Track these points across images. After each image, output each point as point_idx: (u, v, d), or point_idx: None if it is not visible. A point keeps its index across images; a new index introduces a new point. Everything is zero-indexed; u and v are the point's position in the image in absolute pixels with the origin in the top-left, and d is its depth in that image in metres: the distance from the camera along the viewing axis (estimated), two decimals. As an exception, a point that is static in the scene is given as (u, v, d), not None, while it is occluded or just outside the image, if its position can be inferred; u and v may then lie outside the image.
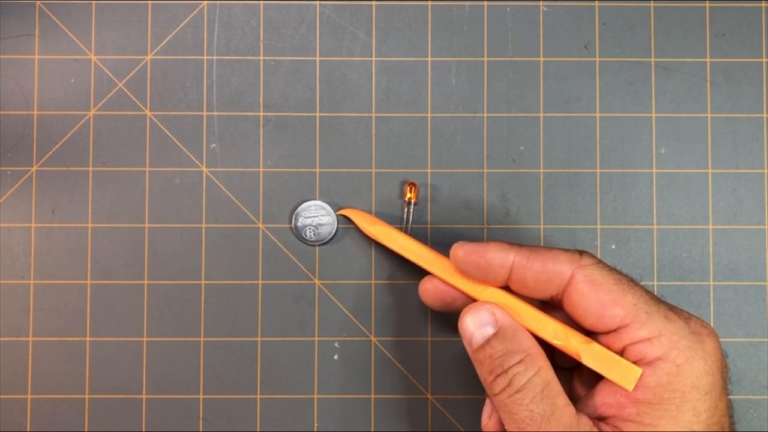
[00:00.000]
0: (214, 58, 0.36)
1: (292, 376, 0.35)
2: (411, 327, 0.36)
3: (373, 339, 0.36)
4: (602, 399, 0.27)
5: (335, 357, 0.36)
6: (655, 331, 0.26)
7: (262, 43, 0.36)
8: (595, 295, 0.27)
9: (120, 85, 0.36)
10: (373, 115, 0.36)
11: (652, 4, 0.37)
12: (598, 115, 0.36)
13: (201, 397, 0.35)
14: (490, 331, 0.28)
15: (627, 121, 0.36)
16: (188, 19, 0.36)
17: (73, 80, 0.36)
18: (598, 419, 0.27)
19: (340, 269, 0.36)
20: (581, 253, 0.28)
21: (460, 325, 0.29)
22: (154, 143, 0.36)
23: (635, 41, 0.37)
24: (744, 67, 0.37)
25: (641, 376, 0.26)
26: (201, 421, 0.35)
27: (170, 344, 0.36)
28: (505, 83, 0.36)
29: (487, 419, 0.31)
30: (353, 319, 0.36)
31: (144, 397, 0.35)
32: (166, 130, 0.36)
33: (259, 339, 0.36)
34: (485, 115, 0.36)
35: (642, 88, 0.37)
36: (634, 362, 0.27)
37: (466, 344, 0.29)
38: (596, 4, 0.37)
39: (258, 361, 0.36)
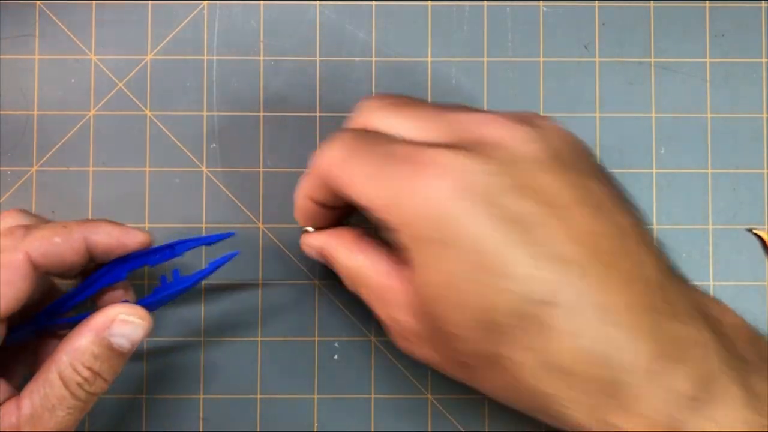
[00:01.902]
0: (214, 58, 0.36)
1: (292, 376, 0.35)
2: (411, 327, 0.36)
3: (373, 339, 0.36)
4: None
5: (335, 357, 0.36)
6: (374, 193, 0.26)
7: (262, 43, 0.36)
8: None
9: (120, 85, 0.36)
10: (373, 115, 0.36)
11: (652, 4, 0.37)
12: (597, 115, 0.36)
13: (201, 396, 0.35)
14: (318, 240, 0.31)
15: (627, 121, 0.36)
16: (188, 19, 0.36)
17: (73, 80, 0.36)
18: None
19: (340, 269, 0.36)
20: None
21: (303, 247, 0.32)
22: (154, 143, 0.36)
23: (635, 41, 0.37)
24: (744, 67, 0.37)
25: None
26: (201, 421, 0.35)
27: (170, 344, 0.35)
28: (505, 83, 0.36)
29: None
30: (353, 319, 0.36)
31: (144, 397, 0.35)
32: (166, 130, 0.36)
33: (259, 339, 0.36)
34: (485, 115, 0.36)
35: (642, 88, 0.37)
36: None
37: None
38: (596, 4, 0.37)
39: (258, 361, 0.36)
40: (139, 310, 0.28)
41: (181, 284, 0.31)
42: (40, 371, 0.27)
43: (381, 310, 0.28)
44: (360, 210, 0.28)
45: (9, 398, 0.27)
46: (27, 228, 0.28)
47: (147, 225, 0.36)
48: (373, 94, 0.30)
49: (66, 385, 0.27)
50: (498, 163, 0.24)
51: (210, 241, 0.31)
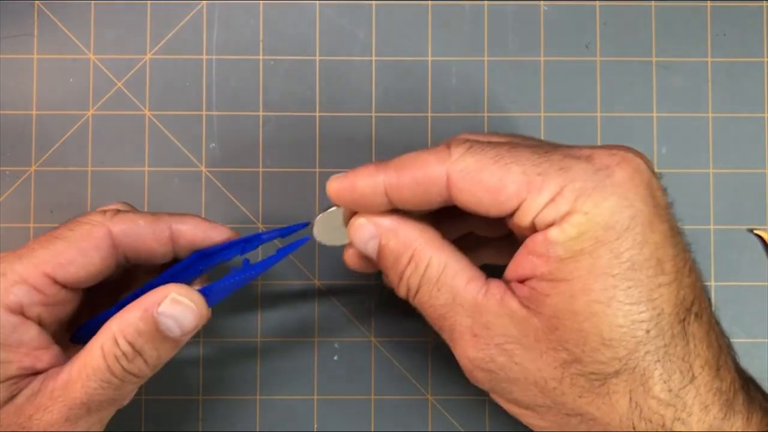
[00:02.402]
0: (214, 57, 0.36)
1: (292, 377, 0.35)
2: (411, 327, 0.36)
3: (373, 339, 0.36)
4: (518, 264, 0.25)
5: (335, 357, 0.36)
6: (555, 189, 0.23)
7: (261, 43, 0.36)
8: (480, 186, 0.24)
9: (119, 84, 0.36)
10: (373, 115, 0.36)
11: (653, 3, 0.37)
12: (598, 114, 0.36)
13: (200, 397, 0.35)
14: (375, 243, 0.26)
15: (628, 121, 0.36)
16: (187, 18, 0.36)
17: (72, 80, 0.36)
18: (518, 281, 0.25)
19: (340, 269, 0.36)
20: (449, 145, 0.25)
21: (352, 237, 0.27)
22: (153, 143, 0.36)
23: (636, 41, 0.37)
24: (745, 66, 0.37)
25: (550, 236, 0.23)
26: (200, 422, 0.35)
27: (170, 345, 0.35)
28: (505, 83, 0.36)
29: None
30: (353, 319, 0.36)
31: (143, 398, 0.35)
32: (165, 130, 0.36)
33: (258, 339, 0.36)
34: (485, 115, 0.36)
35: (643, 88, 0.36)
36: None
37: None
38: (597, 3, 0.37)
39: (258, 362, 0.35)
40: (194, 295, 0.27)
41: (251, 270, 0.29)
42: (89, 342, 0.26)
43: (469, 326, 0.25)
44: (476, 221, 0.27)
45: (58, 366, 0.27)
46: (119, 211, 0.29)
47: (146, 225, 0.36)
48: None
49: (104, 356, 0.25)
50: (660, 178, 0.25)
51: (285, 232, 0.30)
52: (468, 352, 0.25)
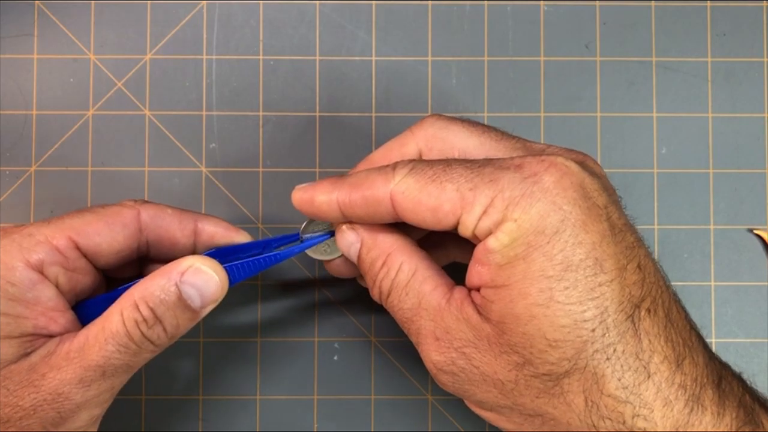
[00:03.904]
0: (214, 57, 0.36)
1: (292, 377, 0.35)
2: (411, 327, 0.36)
3: (373, 339, 0.36)
4: (470, 273, 0.26)
5: (335, 357, 0.36)
6: (486, 201, 0.24)
7: (261, 43, 0.36)
8: (420, 206, 0.25)
9: (119, 84, 0.36)
10: (373, 115, 0.36)
11: (653, 3, 0.37)
12: (598, 114, 0.36)
13: (200, 397, 0.35)
14: (357, 246, 0.28)
15: (628, 121, 0.36)
16: (187, 18, 0.36)
17: (72, 80, 0.36)
18: (474, 289, 0.26)
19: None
20: (395, 166, 0.26)
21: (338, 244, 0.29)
22: (153, 143, 0.36)
23: (636, 41, 0.37)
24: (745, 66, 0.37)
25: (487, 245, 0.24)
26: (200, 422, 0.35)
27: (169, 346, 0.35)
28: (505, 83, 0.36)
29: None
30: (353, 319, 0.36)
31: (143, 398, 0.35)
32: (165, 130, 0.36)
33: (258, 339, 0.36)
34: (485, 114, 0.36)
35: (643, 88, 0.36)
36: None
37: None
38: (597, 3, 0.37)
39: (258, 362, 0.35)
40: (217, 266, 0.27)
41: (273, 255, 0.29)
42: (107, 309, 0.27)
43: (432, 330, 0.26)
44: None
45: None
46: (148, 201, 0.30)
47: (146, 225, 0.36)
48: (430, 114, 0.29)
49: (124, 321, 0.26)
50: (598, 179, 0.25)
51: (308, 245, 0.30)
52: (431, 355, 0.26)
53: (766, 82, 0.36)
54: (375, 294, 0.28)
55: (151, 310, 0.26)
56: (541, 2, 0.37)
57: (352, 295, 0.36)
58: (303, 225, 0.31)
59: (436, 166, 0.26)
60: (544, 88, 0.36)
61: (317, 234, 0.30)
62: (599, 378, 0.23)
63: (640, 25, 0.37)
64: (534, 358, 0.24)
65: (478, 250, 0.25)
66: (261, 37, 0.36)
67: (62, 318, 0.27)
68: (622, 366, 0.23)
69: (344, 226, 0.28)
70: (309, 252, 0.31)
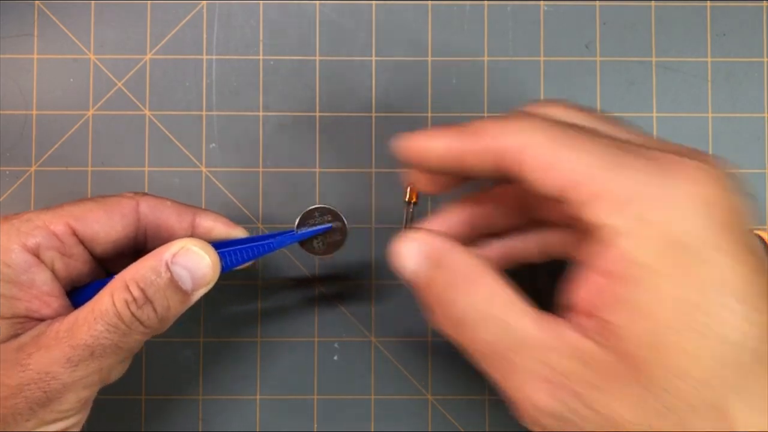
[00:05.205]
0: (214, 57, 0.36)
1: (292, 377, 0.35)
2: (411, 327, 0.36)
3: (373, 339, 0.36)
4: (583, 287, 0.22)
5: (335, 357, 0.36)
6: (630, 192, 0.20)
7: (261, 43, 0.36)
8: (550, 173, 0.22)
9: (119, 84, 0.36)
10: (373, 115, 0.36)
11: (653, 3, 0.37)
12: (598, 114, 0.36)
13: (200, 398, 0.35)
14: (419, 266, 0.25)
15: (628, 121, 0.36)
16: (187, 18, 0.36)
17: (72, 80, 0.36)
18: (583, 312, 0.22)
19: (340, 269, 0.36)
20: (529, 118, 0.23)
21: (393, 262, 0.26)
22: (153, 143, 0.36)
23: (636, 41, 0.37)
24: (745, 66, 0.37)
25: (624, 252, 0.20)
26: (200, 422, 0.35)
27: (169, 345, 0.35)
28: (505, 83, 0.36)
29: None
30: (353, 319, 0.36)
31: (143, 398, 0.35)
32: (165, 130, 0.36)
33: (258, 339, 0.36)
34: (485, 114, 0.36)
35: (643, 88, 0.36)
36: (593, 228, 0.21)
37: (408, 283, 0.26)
38: (597, 3, 0.37)
39: (257, 362, 0.35)
40: (209, 248, 0.27)
41: (269, 242, 0.29)
42: (99, 292, 0.27)
43: (530, 368, 0.22)
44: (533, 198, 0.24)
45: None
46: (149, 193, 0.30)
47: (146, 225, 0.36)
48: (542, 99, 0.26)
49: (114, 301, 0.26)
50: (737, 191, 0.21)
51: (303, 236, 0.30)
52: (533, 397, 0.22)
53: (766, 82, 0.36)
54: (442, 322, 0.24)
55: (142, 290, 0.26)
56: (541, 2, 0.37)
57: (352, 295, 0.36)
58: (297, 220, 0.31)
59: (578, 132, 0.22)
60: (544, 88, 0.36)
61: (314, 227, 0.30)
62: (733, 419, 0.20)
63: (640, 25, 0.37)
64: (668, 394, 0.20)
65: (609, 259, 0.21)
66: (261, 37, 0.36)
67: (56, 302, 0.27)
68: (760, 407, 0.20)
69: (409, 238, 0.25)
70: (303, 246, 0.31)
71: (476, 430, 0.35)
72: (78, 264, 0.28)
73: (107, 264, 0.30)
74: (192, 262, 0.26)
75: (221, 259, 0.27)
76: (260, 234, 0.31)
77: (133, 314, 0.26)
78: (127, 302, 0.26)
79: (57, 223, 0.27)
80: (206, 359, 0.35)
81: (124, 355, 0.27)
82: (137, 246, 0.30)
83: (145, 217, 0.29)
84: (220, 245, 0.29)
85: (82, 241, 0.28)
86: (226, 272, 0.28)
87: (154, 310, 0.26)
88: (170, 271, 0.26)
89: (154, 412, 0.35)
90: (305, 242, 0.31)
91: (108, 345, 0.26)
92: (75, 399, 0.26)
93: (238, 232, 0.30)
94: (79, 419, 0.27)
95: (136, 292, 0.26)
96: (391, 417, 0.35)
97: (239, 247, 0.29)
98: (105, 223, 0.28)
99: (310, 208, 0.31)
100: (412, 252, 0.25)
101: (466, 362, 0.35)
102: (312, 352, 0.36)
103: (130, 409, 0.35)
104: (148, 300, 0.26)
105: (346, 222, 0.31)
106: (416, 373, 0.36)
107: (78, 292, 0.29)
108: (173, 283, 0.26)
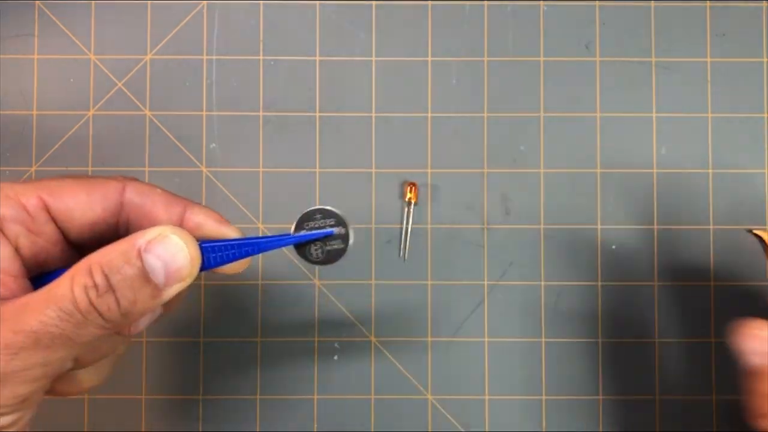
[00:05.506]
0: (214, 57, 0.36)
1: (292, 377, 0.35)
2: (411, 327, 0.36)
3: (373, 339, 0.36)
4: None
5: (335, 357, 0.36)
6: None
7: (261, 43, 0.36)
8: None
9: (119, 84, 0.36)
10: (373, 115, 0.36)
11: (652, 3, 0.37)
12: (598, 114, 0.36)
13: (200, 397, 0.35)
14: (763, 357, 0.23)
15: (627, 121, 0.36)
16: (188, 18, 0.36)
17: (72, 80, 0.36)
18: None
19: (340, 269, 0.36)
20: None
21: (735, 341, 0.25)
22: (153, 143, 0.36)
23: (636, 41, 0.37)
24: (744, 66, 0.37)
25: None
26: (200, 422, 0.35)
27: (170, 345, 0.35)
28: (505, 83, 0.36)
29: None
30: (353, 319, 0.36)
31: (143, 397, 0.35)
32: (165, 130, 0.36)
33: (258, 339, 0.36)
34: (485, 115, 0.36)
35: (642, 88, 0.36)
36: None
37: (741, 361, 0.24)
38: (597, 3, 0.37)
39: (258, 362, 0.35)
40: (190, 240, 0.24)
41: (258, 243, 0.26)
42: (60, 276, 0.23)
43: None
44: None
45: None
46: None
47: (146, 225, 0.36)
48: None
49: (72, 285, 0.22)
50: None
51: (298, 239, 0.26)
52: None
53: (766, 82, 0.36)
54: None
55: (105, 276, 0.22)
56: (541, 2, 0.37)
57: (352, 295, 0.36)
58: (294, 223, 0.27)
59: None
60: (544, 88, 0.36)
61: (312, 231, 0.26)
62: None
63: (639, 26, 0.37)
64: None
65: None
66: (261, 37, 0.36)
67: (13, 283, 0.24)
68: None
69: (760, 326, 0.24)
70: (298, 252, 0.27)
71: (476, 430, 0.35)
72: (47, 245, 0.25)
73: (84, 252, 0.26)
74: (168, 253, 0.23)
75: (203, 255, 0.24)
76: (256, 236, 0.27)
77: (91, 302, 0.22)
78: (86, 288, 0.22)
79: (29, 195, 0.24)
80: (206, 359, 0.35)
81: (77, 351, 0.23)
82: (119, 235, 0.26)
83: (130, 202, 0.26)
84: (205, 241, 0.26)
85: (54, 219, 0.25)
86: (207, 270, 0.25)
87: (117, 301, 0.23)
88: (141, 259, 0.22)
89: (154, 412, 0.35)
90: (301, 247, 0.27)
91: (57, 335, 0.22)
92: (10, 393, 0.22)
93: (230, 231, 0.27)
94: (15, 419, 0.23)
95: (99, 278, 0.22)
96: (391, 417, 0.35)
97: (224, 243, 0.25)
98: (82, 202, 0.25)
99: (312, 208, 0.27)
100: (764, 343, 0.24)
101: (466, 362, 0.35)
102: (312, 352, 0.36)
103: (130, 409, 0.35)
104: (111, 288, 0.22)
105: (349, 229, 0.27)
106: (416, 373, 0.36)
107: (44, 279, 0.25)
108: (143, 274, 0.23)
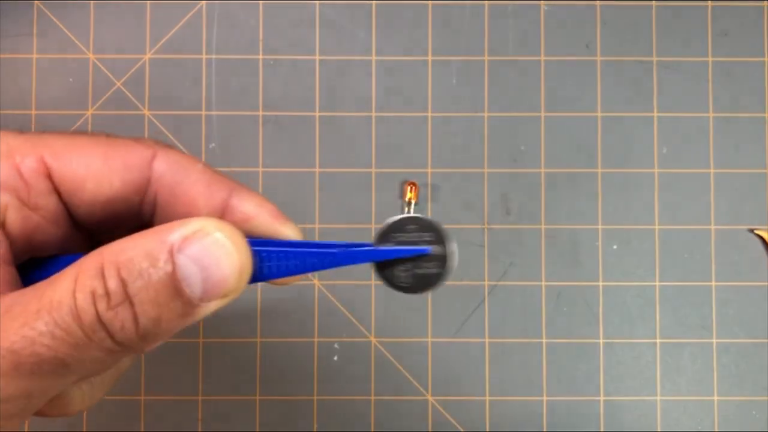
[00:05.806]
0: (213, 57, 0.36)
1: (292, 378, 0.35)
2: (411, 327, 0.36)
3: (373, 339, 0.36)
4: None
5: (335, 358, 0.36)
6: None
7: (261, 43, 0.36)
8: None
9: (118, 84, 0.36)
10: (373, 115, 0.36)
11: (653, 3, 0.37)
12: (599, 114, 0.36)
13: (200, 398, 0.35)
14: None
15: (628, 121, 0.36)
16: (187, 18, 0.36)
17: (71, 80, 0.36)
18: None
19: (341, 270, 0.36)
20: None
21: None
22: (153, 143, 0.36)
23: (637, 40, 0.36)
24: (746, 66, 0.36)
25: None
26: (200, 422, 0.35)
27: (169, 345, 0.35)
28: (505, 83, 0.36)
29: None
30: (353, 319, 0.36)
31: (143, 398, 0.35)
32: (164, 130, 0.36)
33: (258, 340, 0.36)
34: (485, 115, 0.36)
35: (643, 88, 0.36)
36: None
37: None
38: (597, 3, 0.37)
39: (257, 362, 0.35)
40: (241, 240, 0.17)
41: (330, 252, 0.19)
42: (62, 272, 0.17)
43: None
44: None
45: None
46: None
47: (146, 225, 0.36)
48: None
49: (75, 288, 0.16)
50: None
51: (385, 255, 0.21)
52: None
53: (766, 82, 0.36)
54: None
55: (122, 281, 0.16)
56: (541, 2, 0.37)
57: (352, 295, 0.36)
58: (379, 231, 0.21)
59: None
60: (545, 88, 0.36)
61: (402, 246, 0.20)
62: None
63: (640, 25, 0.36)
64: None
65: None
66: (261, 37, 0.36)
67: None
68: None
69: None
70: (380, 272, 0.21)
71: (476, 430, 0.35)
72: (45, 223, 0.19)
73: (93, 237, 0.21)
74: (210, 257, 0.16)
75: (257, 261, 0.18)
76: (327, 241, 0.21)
77: (99, 316, 0.16)
78: (94, 295, 0.16)
79: (27, 153, 0.18)
80: (206, 359, 0.35)
81: (73, 378, 0.17)
82: (141, 219, 0.20)
83: (161, 177, 0.19)
84: (258, 242, 0.19)
85: (57, 190, 0.19)
86: (258, 282, 0.19)
87: (134, 317, 0.16)
88: (173, 261, 0.16)
89: (153, 412, 0.35)
90: (385, 266, 0.21)
91: (48, 358, 0.16)
92: None
93: (290, 231, 0.21)
94: None
95: (113, 283, 0.16)
96: (391, 417, 0.35)
97: (282, 247, 0.19)
98: (97, 170, 0.18)
99: (404, 216, 0.21)
100: None
101: (466, 362, 0.35)
102: (312, 352, 0.36)
103: (129, 409, 0.35)
104: (128, 299, 0.16)
105: (451, 249, 0.21)
106: (416, 373, 0.36)
107: (38, 267, 0.19)
108: (174, 283, 0.16)
